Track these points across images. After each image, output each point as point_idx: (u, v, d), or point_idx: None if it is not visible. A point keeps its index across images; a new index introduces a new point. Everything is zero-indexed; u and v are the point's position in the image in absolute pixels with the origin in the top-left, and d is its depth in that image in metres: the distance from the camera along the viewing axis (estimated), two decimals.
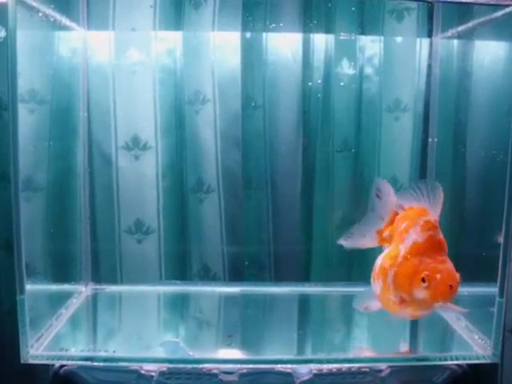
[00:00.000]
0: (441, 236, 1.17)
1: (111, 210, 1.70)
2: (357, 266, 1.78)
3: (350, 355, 1.30)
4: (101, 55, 1.66)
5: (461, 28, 1.53)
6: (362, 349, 1.38)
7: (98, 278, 1.70)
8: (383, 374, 1.23)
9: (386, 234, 1.30)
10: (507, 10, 1.22)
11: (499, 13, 1.27)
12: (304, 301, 1.70)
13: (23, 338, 1.22)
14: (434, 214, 1.18)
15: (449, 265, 1.13)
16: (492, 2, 1.23)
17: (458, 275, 1.11)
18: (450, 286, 1.08)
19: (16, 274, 1.20)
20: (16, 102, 1.17)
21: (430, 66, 1.69)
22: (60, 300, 1.53)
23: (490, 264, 1.28)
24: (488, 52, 1.53)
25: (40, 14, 1.34)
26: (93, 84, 1.66)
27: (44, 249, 1.55)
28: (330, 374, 1.23)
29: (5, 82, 1.15)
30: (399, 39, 1.71)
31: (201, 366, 1.23)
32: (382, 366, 1.25)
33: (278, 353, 1.32)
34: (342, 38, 1.70)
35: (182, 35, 1.67)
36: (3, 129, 1.23)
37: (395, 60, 1.71)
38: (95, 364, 1.24)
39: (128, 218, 1.71)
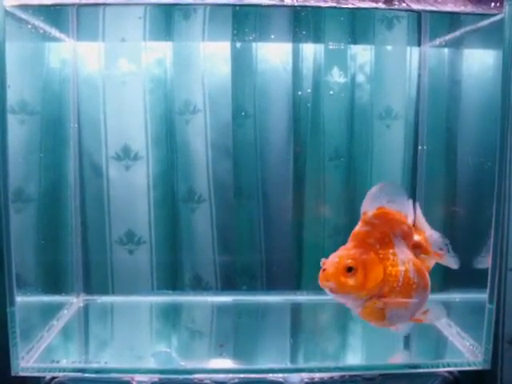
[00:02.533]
0: (366, 228, 1.15)
1: (102, 220, 1.70)
2: None
3: (341, 364, 1.30)
4: (91, 66, 1.67)
5: (449, 37, 1.54)
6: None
7: (89, 288, 1.70)
8: (375, 382, 1.23)
9: None
10: (493, 18, 1.24)
11: (486, 21, 1.28)
12: (296, 309, 1.70)
13: (14, 350, 1.21)
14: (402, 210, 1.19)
15: (344, 251, 1.13)
16: (479, 11, 1.24)
17: (342, 261, 1.10)
18: (324, 269, 1.10)
19: (6, 286, 1.20)
20: (5, 113, 1.16)
21: (419, 74, 1.70)
22: (51, 311, 1.53)
23: (480, 271, 1.29)
24: (476, 60, 1.54)
25: (29, 26, 1.34)
26: (83, 95, 1.66)
27: (35, 260, 1.54)
28: (322, 382, 1.23)
29: None
30: (390, 47, 1.72)
31: (192, 376, 1.23)
32: (373, 373, 1.25)
33: (269, 362, 1.32)
34: (332, 47, 1.71)
35: (172, 45, 1.68)
36: None
37: (386, 68, 1.73)
38: (86, 375, 1.24)
39: (119, 229, 1.71)
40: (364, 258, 1.12)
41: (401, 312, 1.17)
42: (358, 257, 1.11)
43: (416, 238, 1.23)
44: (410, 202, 1.22)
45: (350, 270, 1.10)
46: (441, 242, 1.25)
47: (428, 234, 1.25)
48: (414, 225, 1.23)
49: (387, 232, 1.16)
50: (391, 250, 1.16)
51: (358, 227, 1.16)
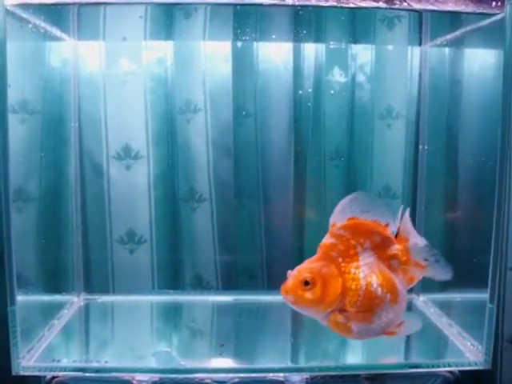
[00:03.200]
0: (331, 240, 1.15)
1: (103, 219, 1.70)
2: None
3: (342, 363, 1.30)
4: (91, 65, 1.67)
5: (450, 36, 1.54)
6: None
7: (90, 288, 1.70)
8: (375, 382, 1.23)
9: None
10: (494, 18, 1.23)
11: (487, 21, 1.28)
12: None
13: (14, 349, 1.22)
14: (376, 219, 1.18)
15: (306, 264, 1.13)
16: (479, 11, 1.24)
17: (300, 275, 1.10)
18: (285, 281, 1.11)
19: (7, 285, 1.20)
20: (6, 113, 1.17)
21: (420, 74, 1.70)
22: (52, 311, 1.53)
23: (481, 270, 1.28)
24: (477, 59, 1.54)
25: (30, 25, 1.34)
26: (84, 94, 1.66)
27: (36, 259, 1.54)
28: (323, 382, 1.23)
29: None
30: (390, 47, 1.73)
31: (193, 375, 1.23)
32: (374, 373, 1.25)
33: (270, 361, 1.32)
34: (333, 46, 1.71)
35: (173, 44, 1.68)
36: None
37: (387, 67, 1.72)
38: (87, 375, 1.24)
39: (120, 228, 1.71)
40: (323, 271, 1.11)
41: (369, 326, 1.16)
42: (317, 270, 1.11)
43: (394, 248, 1.20)
44: (388, 210, 1.20)
45: (307, 283, 1.10)
46: (426, 251, 1.20)
47: (412, 243, 1.21)
48: (397, 234, 1.21)
49: (353, 244, 1.15)
50: (355, 263, 1.15)
51: (325, 239, 1.16)
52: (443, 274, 1.20)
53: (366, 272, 1.15)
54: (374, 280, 1.14)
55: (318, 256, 1.14)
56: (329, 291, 1.11)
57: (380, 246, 1.18)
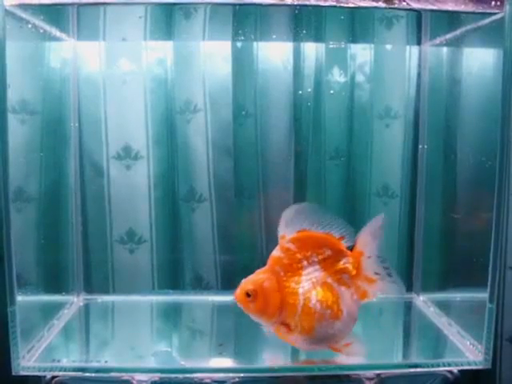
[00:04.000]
0: (278, 253, 1.19)
1: (103, 219, 1.71)
2: None
3: (341, 363, 1.29)
4: (91, 65, 1.67)
5: (449, 36, 1.54)
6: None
7: (89, 288, 1.70)
8: (374, 382, 1.23)
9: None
10: (494, 17, 1.24)
11: (486, 20, 1.28)
12: None
13: (14, 349, 1.22)
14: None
15: (253, 276, 1.19)
16: (479, 10, 1.24)
17: (244, 287, 1.17)
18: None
19: (7, 285, 1.20)
20: (5, 113, 1.17)
21: (419, 74, 1.70)
22: (52, 311, 1.53)
23: (481, 270, 1.28)
24: (476, 59, 1.54)
25: (29, 26, 1.34)
26: (83, 94, 1.67)
27: (35, 259, 1.54)
28: (322, 381, 1.23)
29: None
30: (389, 47, 1.73)
31: (193, 375, 1.23)
32: (374, 373, 1.25)
33: (270, 361, 1.32)
34: (332, 46, 1.71)
35: (173, 45, 1.68)
36: None
37: (386, 67, 1.73)
38: (87, 375, 1.24)
39: (120, 228, 1.71)
40: (265, 285, 1.16)
41: (311, 339, 1.19)
42: (259, 284, 1.17)
43: (344, 261, 1.22)
44: (343, 222, 1.22)
45: (249, 295, 1.16)
46: (378, 266, 1.21)
47: (366, 256, 1.21)
48: (353, 247, 1.23)
49: (299, 258, 1.18)
50: (296, 278, 1.18)
51: (273, 251, 1.20)
52: (394, 289, 1.22)
53: (306, 287, 1.17)
54: (313, 295, 1.17)
55: (265, 268, 1.19)
56: (269, 304, 1.16)
57: (329, 259, 1.20)
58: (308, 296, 1.17)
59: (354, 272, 1.21)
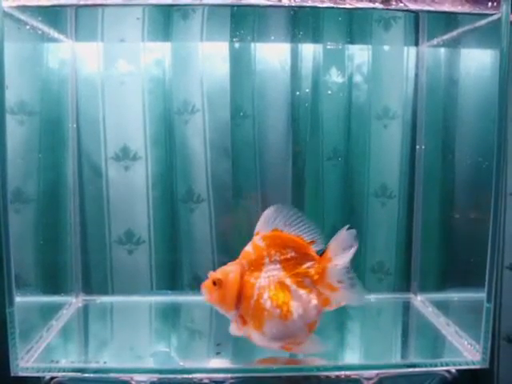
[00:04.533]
0: (248, 248, 1.24)
1: (101, 220, 1.71)
2: None
3: (339, 363, 1.30)
4: (89, 66, 1.67)
5: (446, 36, 1.55)
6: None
7: (88, 289, 1.70)
8: (373, 382, 1.24)
9: None
10: (491, 18, 1.24)
11: (483, 21, 1.29)
12: None
13: (13, 350, 1.22)
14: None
15: (224, 267, 1.24)
16: (476, 11, 1.24)
17: (213, 275, 1.22)
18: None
19: (5, 286, 1.20)
20: (4, 114, 1.17)
21: (417, 74, 1.70)
22: (50, 312, 1.53)
23: (479, 269, 1.29)
24: (474, 60, 1.54)
25: (28, 27, 1.34)
26: (82, 95, 1.67)
27: (34, 260, 1.55)
28: (320, 381, 1.23)
29: None
30: (387, 47, 1.73)
31: (191, 375, 1.23)
32: (372, 373, 1.25)
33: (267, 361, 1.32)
34: (330, 47, 1.71)
35: (171, 46, 1.68)
36: None
37: (383, 68, 1.73)
38: (86, 375, 1.25)
39: (118, 229, 1.71)
40: (230, 276, 1.22)
41: (263, 336, 1.22)
42: (225, 274, 1.22)
43: (308, 265, 1.23)
44: (316, 228, 1.25)
45: (215, 283, 1.21)
46: (342, 274, 1.22)
47: (333, 264, 1.22)
48: (323, 253, 1.24)
49: (264, 255, 1.22)
50: (257, 273, 1.22)
51: (246, 246, 1.24)
52: (355, 299, 1.23)
53: (262, 283, 1.21)
54: (266, 293, 1.20)
55: (235, 261, 1.24)
56: (227, 295, 1.21)
57: (292, 260, 1.22)
58: (261, 292, 1.21)
59: (315, 277, 1.23)
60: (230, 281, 1.21)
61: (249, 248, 1.24)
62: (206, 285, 1.23)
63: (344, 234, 1.23)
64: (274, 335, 1.21)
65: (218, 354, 1.34)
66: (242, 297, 1.21)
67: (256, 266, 1.22)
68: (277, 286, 1.21)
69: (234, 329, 1.25)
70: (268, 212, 1.25)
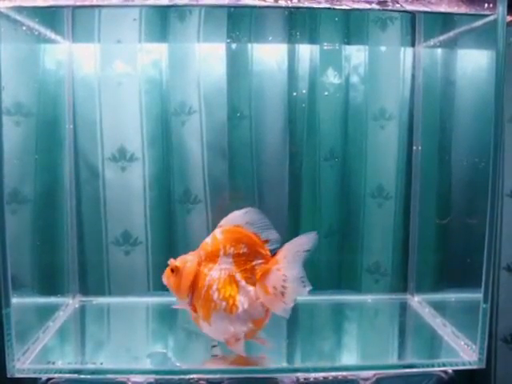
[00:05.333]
0: (207, 239, 1.28)
1: (98, 221, 1.70)
2: (344, 275, 1.79)
3: (337, 363, 1.30)
4: (86, 67, 1.67)
5: (443, 37, 1.55)
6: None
7: (85, 290, 1.70)
8: (369, 382, 1.24)
9: None
10: (487, 19, 1.24)
11: (480, 22, 1.29)
12: (292, 309, 1.69)
13: (9, 351, 1.22)
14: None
15: (184, 255, 1.29)
16: (472, 12, 1.24)
17: (172, 262, 1.27)
18: None
19: (1, 287, 1.20)
20: (0, 115, 1.17)
21: (413, 75, 1.70)
22: (47, 313, 1.53)
23: (475, 270, 1.29)
24: (470, 60, 1.55)
25: (24, 28, 1.34)
26: (79, 96, 1.67)
27: (31, 261, 1.54)
28: (317, 382, 1.23)
29: None
30: (383, 48, 1.73)
31: (188, 376, 1.23)
32: (369, 373, 1.25)
33: (265, 362, 1.32)
34: (327, 47, 1.72)
35: (168, 47, 1.68)
36: None
37: (380, 69, 1.73)
38: (82, 376, 1.24)
39: (115, 230, 1.71)
40: (187, 264, 1.26)
41: (210, 327, 1.25)
42: (183, 262, 1.26)
43: (255, 263, 1.25)
44: (273, 230, 1.27)
45: (173, 271, 1.26)
46: (277, 280, 1.21)
47: (276, 268, 1.22)
48: (275, 253, 1.25)
49: (219, 248, 1.25)
50: (211, 265, 1.25)
51: (207, 237, 1.28)
52: (280, 310, 1.23)
53: (214, 276, 1.24)
54: (215, 284, 1.24)
55: (197, 250, 1.29)
56: (183, 282, 1.26)
57: (244, 256, 1.25)
58: (211, 283, 1.24)
59: (258, 276, 1.24)
60: (186, 269, 1.26)
61: (208, 240, 1.28)
62: (166, 271, 1.28)
63: (301, 238, 1.22)
64: (218, 326, 1.24)
65: (213, 346, 1.34)
66: (195, 286, 1.25)
67: (211, 257, 1.26)
68: (226, 280, 1.24)
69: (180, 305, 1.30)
70: (236, 211, 1.29)
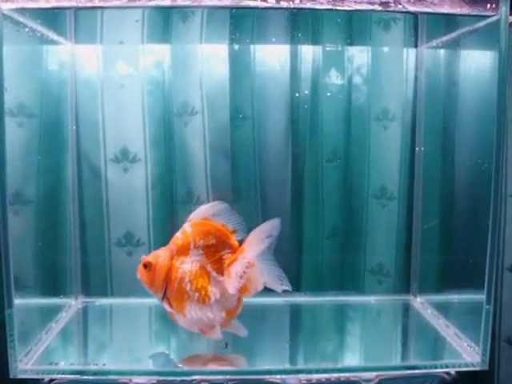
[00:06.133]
0: (177, 234, 1.30)
1: (101, 222, 1.70)
2: (347, 276, 1.79)
3: (339, 365, 1.30)
4: (89, 69, 1.67)
5: (445, 38, 1.55)
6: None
7: (88, 291, 1.70)
8: (372, 383, 1.24)
9: None
10: (489, 20, 1.24)
11: (482, 23, 1.29)
12: (295, 311, 1.70)
13: (12, 352, 1.22)
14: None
15: (155, 251, 1.31)
16: (474, 13, 1.24)
17: (145, 258, 1.29)
18: None
19: (4, 288, 1.20)
20: (3, 116, 1.17)
21: (416, 76, 1.70)
22: (50, 314, 1.53)
23: (478, 271, 1.29)
24: (473, 61, 1.55)
25: (27, 29, 1.34)
26: (81, 97, 1.67)
27: (33, 262, 1.54)
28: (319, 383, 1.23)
29: None
30: (386, 49, 1.73)
31: (190, 378, 1.23)
32: (371, 374, 1.25)
33: (267, 363, 1.32)
34: (329, 48, 1.72)
35: (170, 48, 1.68)
36: None
37: (383, 69, 1.73)
38: (85, 377, 1.25)
39: (118, 231, 1.71)
40: (160, 259, 1.29)
41: (185, 319, 1.28)
42: (156, 257, 1.29)
43: (224, 253, 1.29)
44: (241, 220, 1.31)
45: (146, 266, 1.28)
46: (240, 268, 1.26)
47: (242, 256, 1.27)
48: (242, 243, 1.29)
49: (190, 241, 1.28)
50: (182, 258, 1.28)
51: (177, 232, 1.31)
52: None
53: (186, 268, 1.28)
54: (187, 277, 1.27)
55: (167, 246, 1.31)
56: (157, 277, 1.28)
57: (213, 247, 1.29)
58: (184, 276, 1.27)
59: (226, 264, 1.28)
60: (159, 264, 1.28)
61: (178, 234, 1.30)
62: (140, 268, 1.29)
63: (264, 225, 1.27)
64: (192, 318, 1.28)
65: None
66: (169, 280, 1.28)
67: (183, 251, 1.29)
68: (198, 271, 1.28)
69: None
70: (204, 205, 1.33)
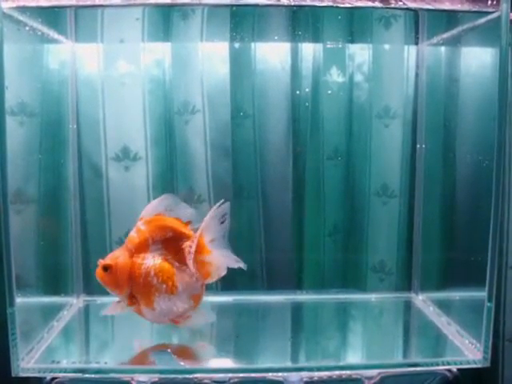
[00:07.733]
0: (132, 233, 1.34)
1: (102, 221, 1.70)
2: (348, 274, 1.79)
3: (341, 362, 1.30)
4: (89, 67, 1.67)
5: (446, 35, 1.54)
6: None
7: (89, 289, 1.70)
8: (374, 381, 1.23)
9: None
10: (490, 16, 1.24)
11: (483, 19, 1.29)
12: (296, 309, 1.70)
13: (14, 350, 1.22)
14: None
15: (112, 253, 1.34)
16: (475, 9, 1.24)
17: (102, 262, 1.31)
18: None
19: (6, 287, 1.20)
20: (4, 115, 1.17)
21: (417, 73, 1.70)
22: (51, 312, 1.53)
23: (480, 269, 1.29)
24: (474, 58, 1.55)
25: (27, 28, 1.34)
26: (82, 96, 1.67)
27: (35, 261, 1.54)
28: (321, 381, 1.23)
29: None
30: (387, 46, 1.73)
31: (192, 375, 1.23)
32: (373, 372, 1.25)
33: (270, 361, 1.32)
34: (330, 46, 1.71)
35: (171, 46, 1.68)
36: None
37: (384, 67, 1.73)
38: (86, 376, 1.25)
39: (119, 229, 1.71)
40: (119, 260, 1.31)
41: (154, 312, 1.33)
42: (114, 259, 1.32)
43: (184, 243, 1.33)
44: (193, 211, 1.37)
45: (105, 269, 1.31)
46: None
47: (205, 241, 1.32)
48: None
49: (147, 237, 1.32)
50: (143, 254, 1.32)
51: (131, 232, 1.35)
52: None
53: (148, 263, 1.31)
54: (152, 270, 1.30)
55: (122, 247, 1.34)
56: (120, 278, 1.31)
57: (171, 240, 1.33)
58: (148, 271, 1.30)
59: (186, 253, 1.32)
60: (119, 264, 1.31)
61: (133, 233, 1.34)
62: (98, 271, 1.32)
63: (213, 211, 1.32)
64: (162, 309, 1.31)
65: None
66: (133, 277, 1.31)
67: (141, 248, 1.32)
68: (161, 264, 1.31)
69: (111, 309, 1.38)
70: (154, 201, 1.35)
